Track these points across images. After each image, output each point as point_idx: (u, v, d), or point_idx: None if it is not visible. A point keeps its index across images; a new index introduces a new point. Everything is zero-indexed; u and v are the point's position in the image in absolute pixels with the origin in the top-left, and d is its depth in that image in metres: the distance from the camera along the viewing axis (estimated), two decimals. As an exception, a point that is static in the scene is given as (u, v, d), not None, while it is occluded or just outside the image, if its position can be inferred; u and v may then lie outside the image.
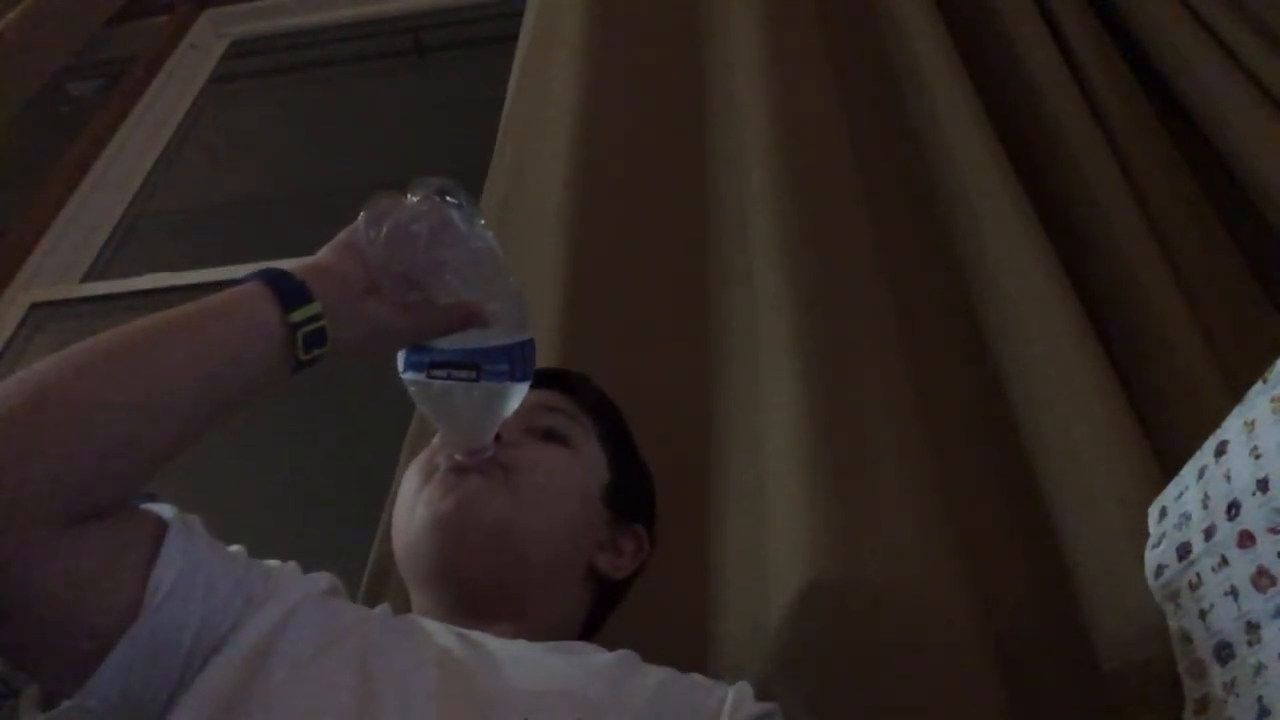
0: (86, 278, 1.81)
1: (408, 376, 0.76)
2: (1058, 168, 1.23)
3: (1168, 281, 1.08)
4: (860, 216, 1.19)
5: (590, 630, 0.84)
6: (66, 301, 1.74)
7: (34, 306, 1.73)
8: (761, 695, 0.74)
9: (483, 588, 0.77)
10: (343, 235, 0.70)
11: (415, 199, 0.71)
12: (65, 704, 0.59)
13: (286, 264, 0.67)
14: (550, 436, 0.83)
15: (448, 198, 0.72)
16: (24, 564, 0.56)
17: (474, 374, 0.74)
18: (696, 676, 0.75)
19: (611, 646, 0.76)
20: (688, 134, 1.39)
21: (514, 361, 0.75)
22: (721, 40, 1.49)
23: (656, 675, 0.72)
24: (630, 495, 0.87)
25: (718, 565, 0.95)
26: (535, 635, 0.74)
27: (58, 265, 1.82)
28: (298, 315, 0.64)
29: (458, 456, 0.78)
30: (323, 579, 0.74)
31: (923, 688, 0.80)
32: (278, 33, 2.41)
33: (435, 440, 0.84)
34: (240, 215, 2.03)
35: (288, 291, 0.64)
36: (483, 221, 0.74)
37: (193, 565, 0.63)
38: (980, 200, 1.16)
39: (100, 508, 0.59)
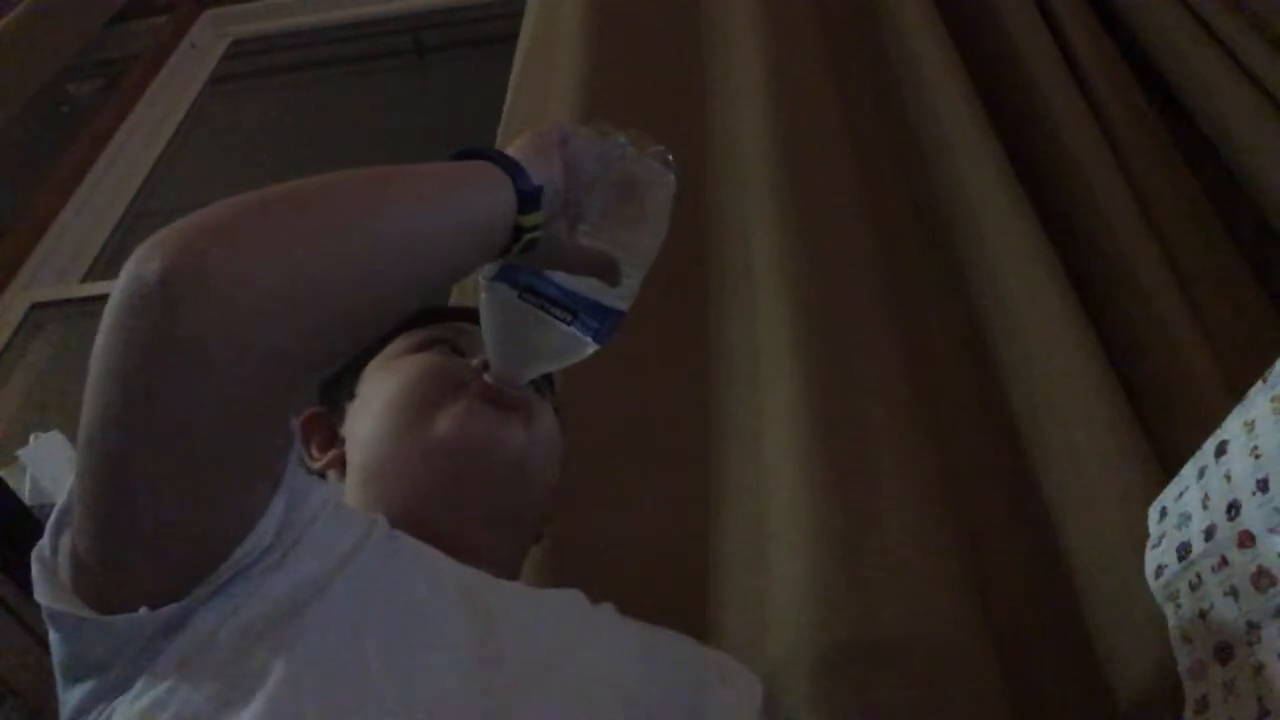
0: (86, 278, 1.81)
1: (496, 284, 0.70)
2: (1058, 168, 1.23)
3: (1168, 281, 1.08)
4: (860, 216, 1.19)
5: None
6: (66, 301, 1.74)
7: (34, 306, 1.73)
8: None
9: (493, 521, 0.76)
10: (552, 138, 0.65)
11: (626, 142, 0.69)
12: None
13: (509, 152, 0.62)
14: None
15: (664, 161, 0.71)
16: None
17: (569, 317, 0.70)
18: (723, 655, 0.79)
19: None
20: (687, 134, 1.38)
21: (604, 325, 0.72)
22: (722, 40, 1.49)
23: (685, 646, 0.77)
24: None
25: (717, 564, 0.95)
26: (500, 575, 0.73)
27: (58, 265, 1.82)
28: (529, 220, 0.60)
29: (500, 386, 0.74)
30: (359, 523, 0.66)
31: (922, 687, 0.80)
32: (278, 33, 2.41)
33: (442, 360, 0.79)
34: (240, 215, 2.02)
35: (526, 195, 0.60)
36: (672, 195, 0.72)
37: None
38: (980, 200, 1.16)
39: (310, 370, 0.54)
